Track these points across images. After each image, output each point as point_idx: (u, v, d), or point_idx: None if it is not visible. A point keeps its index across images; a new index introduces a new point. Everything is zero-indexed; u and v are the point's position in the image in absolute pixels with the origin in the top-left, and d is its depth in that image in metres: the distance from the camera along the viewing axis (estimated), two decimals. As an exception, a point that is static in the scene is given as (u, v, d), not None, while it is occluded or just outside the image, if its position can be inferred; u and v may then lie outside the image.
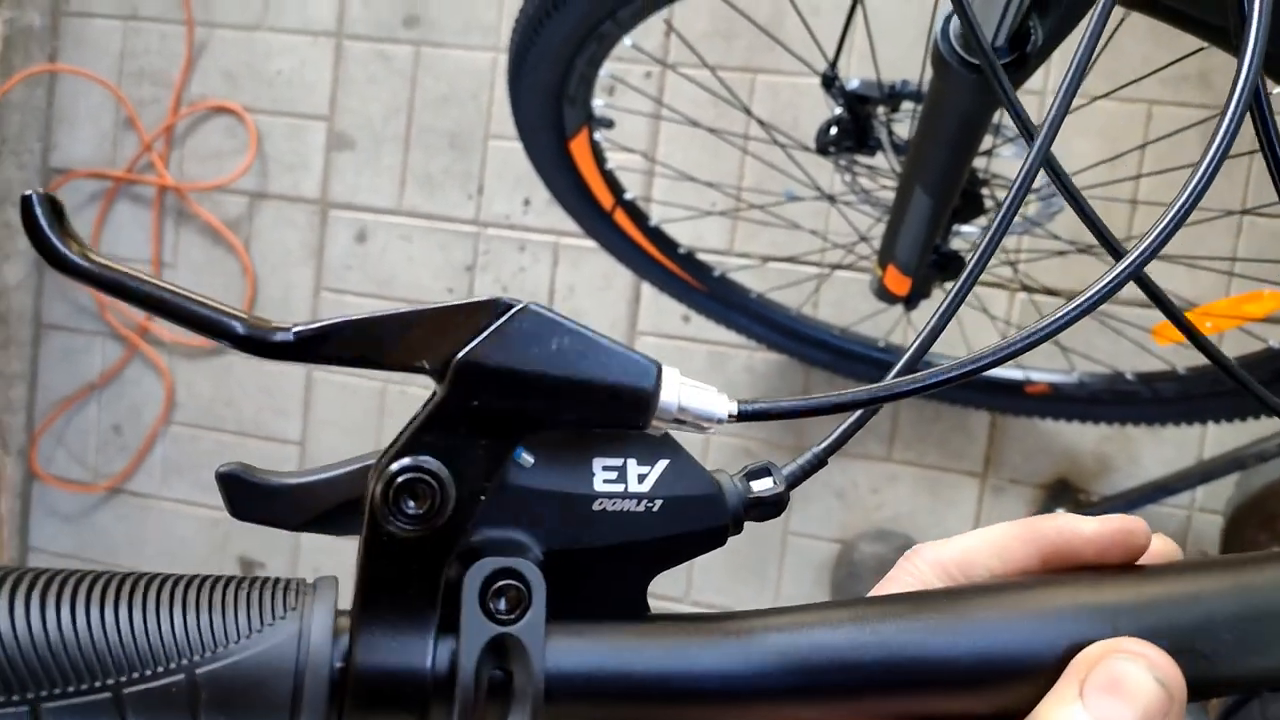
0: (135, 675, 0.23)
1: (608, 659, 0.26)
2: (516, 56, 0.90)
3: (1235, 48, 0.31)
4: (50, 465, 1.71)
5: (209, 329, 0.25)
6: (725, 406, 0.27)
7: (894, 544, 1.35)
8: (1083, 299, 0.29)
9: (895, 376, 0.30)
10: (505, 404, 0.25)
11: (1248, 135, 0.32)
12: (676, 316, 1.43)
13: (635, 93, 1.32)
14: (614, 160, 1.12)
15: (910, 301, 0.97)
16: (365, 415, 1.57)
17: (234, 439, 1.63)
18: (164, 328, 1.64)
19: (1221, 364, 0.34)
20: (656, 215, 1.22)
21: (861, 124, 0.97)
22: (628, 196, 1.16)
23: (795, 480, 0.30)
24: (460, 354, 0.25)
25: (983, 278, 1.10)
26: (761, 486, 0.29)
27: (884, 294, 0.97)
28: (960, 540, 0.31)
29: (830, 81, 0.95)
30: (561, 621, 0.26)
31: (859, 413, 0.32)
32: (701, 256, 1.26)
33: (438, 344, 0.25)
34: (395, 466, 0.25)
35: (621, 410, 0.26)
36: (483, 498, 0.26)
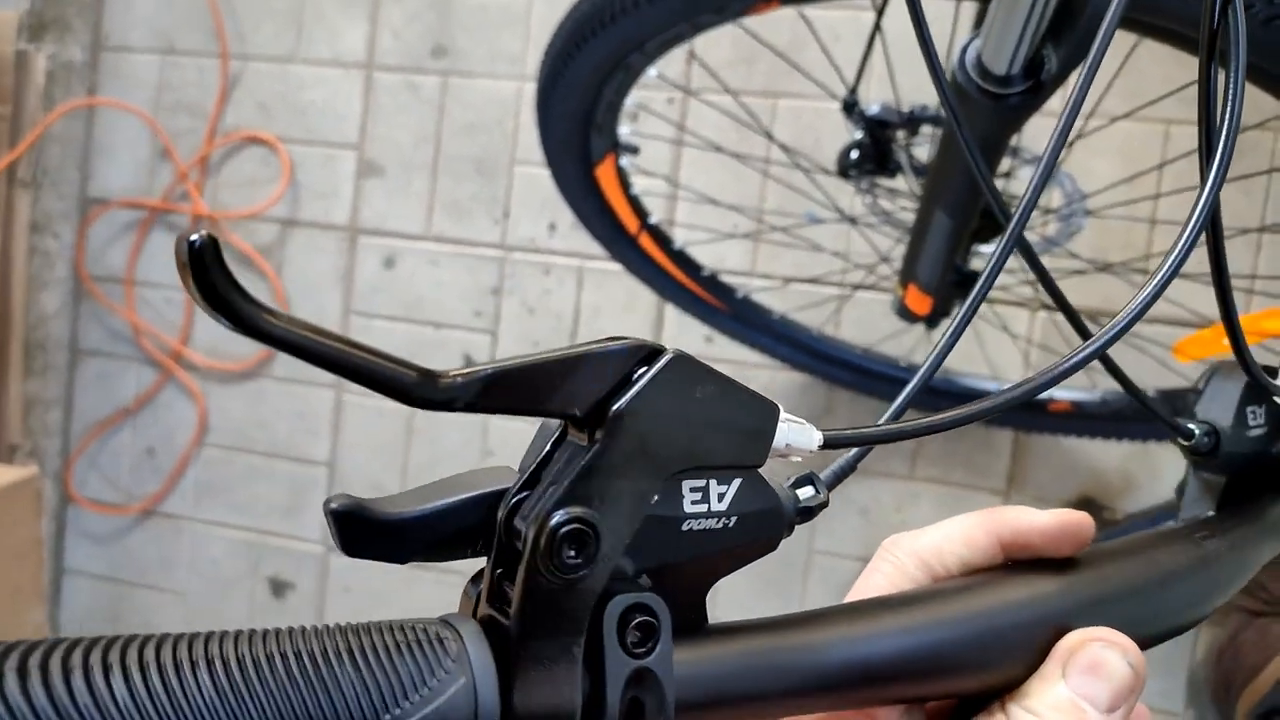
0: None
1: (723, 677, 0.28)
2: (545, 87, 0.92)
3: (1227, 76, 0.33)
4: (84, 488, 1.74)
5: (384, 388, 0.25)
6: (815, 439, 0.29)
7: (918, 562, 1.35)
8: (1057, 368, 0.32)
9: (913, 388, 0.34)
10: (656, 452, 0.26)
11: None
12: (699, 337, 1.45)
13: (659, 119, 1.35)
14: (638, 185, 1.15)
15: (932, 320, 0.99)
16: (394, 437, 1.59)
17: (265, 461, 1.66)
18: (197, 353, 1.67)
19: (1137, 395, 0.40)
20: (680, 238, 1.24)
21: (882, 148, 0.99)
22: (652, 220, 1.18)
23: (831, 485, 0.32)
24: (618, 404, 0.26)
25: (1004, 297, 1.12)
26: (807, 495, 0.31)
27: (905, 313, 0.98)
28: (932, 531, 0.35)
29: (851, 107, 0.97)
30: (677, 642, 0.27)
31: (885, 421, 0.34)
32: (724, 278, 1.28)
33: (589, 391, 0.26)
34: (557, 519, 0.25)
35: (746, 450, 0.28)
36: (625, 544, 0.26)
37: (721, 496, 0.28)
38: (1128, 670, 0.31)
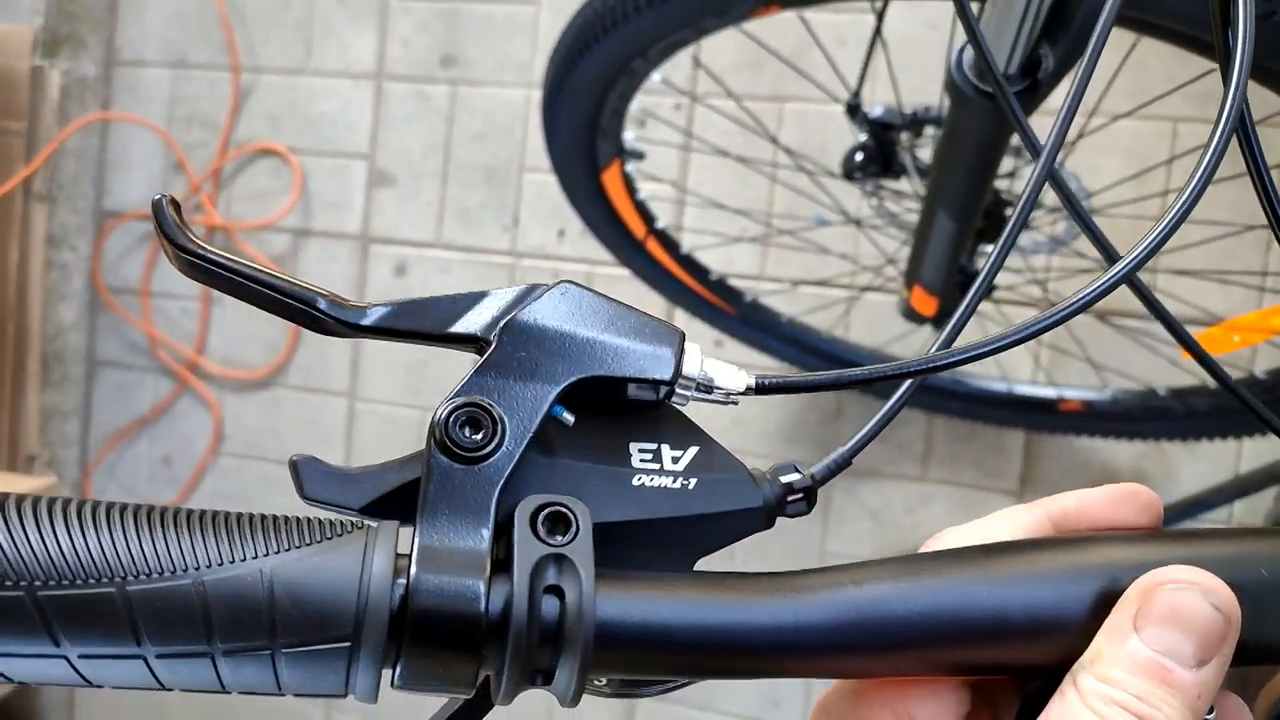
0: (213, 566, 0.25)
1: (659, 606, 0.27)
2: (550, 94, 0.93)
3: (1222, 71, 0.33)
4: (103, 497, 1.75)
5: (293, 313, 0.29)
6: (744, 379, 0.30)
7: (931, 563, 1.35)
8: (1076, 299, 0.31)
9: (905, 362, 0.32)
10: (547, 356, 0.29)
11: (1273, 150, 0.34)
12: (709, 341, 1.45)
13: (666, 124, 1.36)
14: (645, 190, 1.15)
15: (938, 322, 0.99)
16: (405, 444, 1.60)
17: (279, 469, 1.67)
18: (213, 363, 1.69)
19: (1221, 379, 0.36)
20: (688, 243, 1.24)
21: (886, 150, 0.99)
22: (659, 225, 1.19)
23: (823, 477, 0.32)
24: (508, 317, 0.29)
25: (1011, 296, 1.12)
26: (789, 478, 0.31)
27: (911, 314, 0.99)
28: (978, 521, 0.32)
29: (854, 110, 0.97)
30: (611, 569, 0.27)
31: (881, 418, 0.33)
32: (733, 282, 1.28)
33: (488, 317, 0.29)
34: (457, 399, 0.28)
35: (649, 365, 0.29)
36: (529, 435, 0.28)
37: (676, 459, 0.29)
38: (1213, 614, 0.25)
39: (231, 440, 1.70)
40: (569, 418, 0.29)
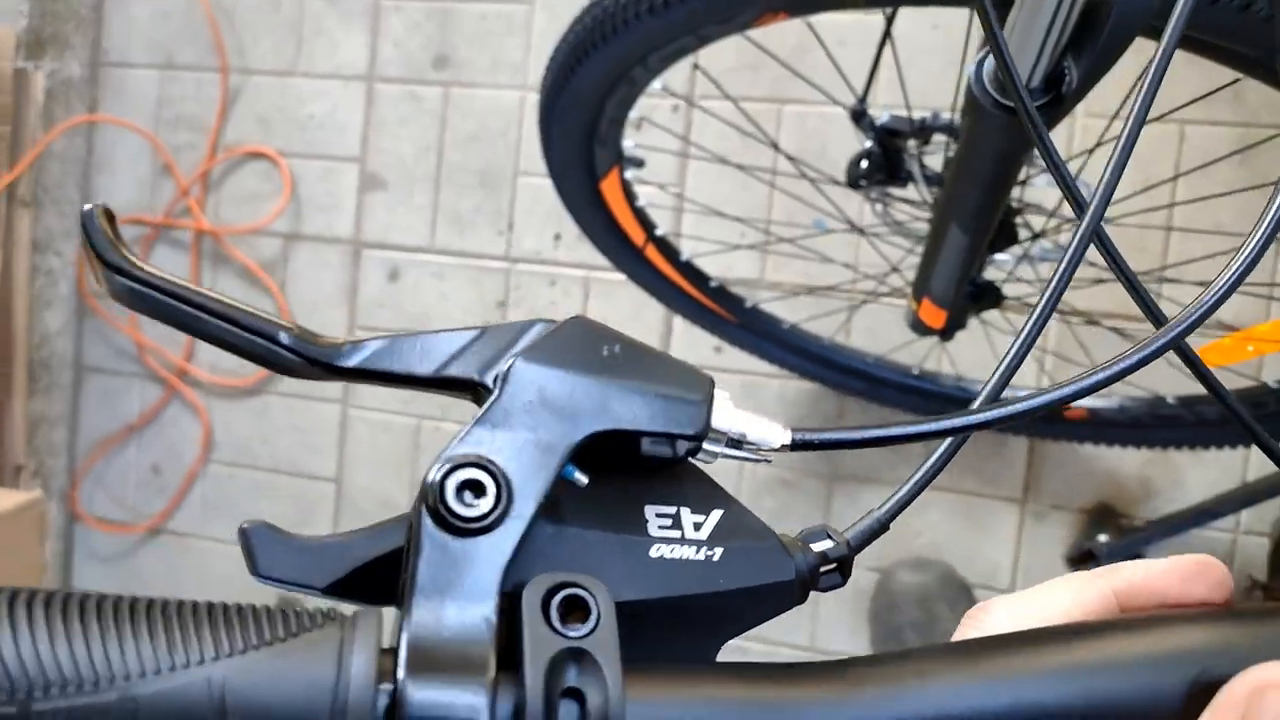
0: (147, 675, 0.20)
1: (698, 710, 0.23)
2: (548, 102, 0.91)
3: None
4: (91, 506, 1.73)
5: (253, 350, 0.25)
6: (780, 435, 0.27)
7: (934, 573, 1.34)
8: (1124, 361, 0.29)
9: (946, 417, 0.29)
10: (559, 405, 0.25)
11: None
12: (708, 348, 1.43)
13: (662, 129, 1.33)
14: (644, 197, 1.13)
15: (946, 334, 0.97)
16: (400, 452, 1.58)
17: (269, 477, 1.64)
18: (201, 369, 1.66)
19: (1219, 395, 0.35)
20: (687, 250, 1.22)
21: (892, 157, 0.97)
22: (658, 232, 1.16)
23: (859, 544, 0.29)
24: (512, 360, 0.25)
25: (1019, 306, 1.10)
26: (822, 546, 0.27)
27: (919, 327, 0.96)
28: (1033, 593, 0.29)
29: (860, 116, 0.95)
30: (635, 664, 0.22)
31: (921, 477, 0.31)
32: (733, 289, 1.26)
33: (487, 357, 0.25)
34: (455, 457, 0.23)
35: (675, 417, 0.25)
36: (539, 501, 0.24)
37: (698, 525, 0.26)
38: None
39: (221, 448, 1.67)
40: (582, 478, 0.25)
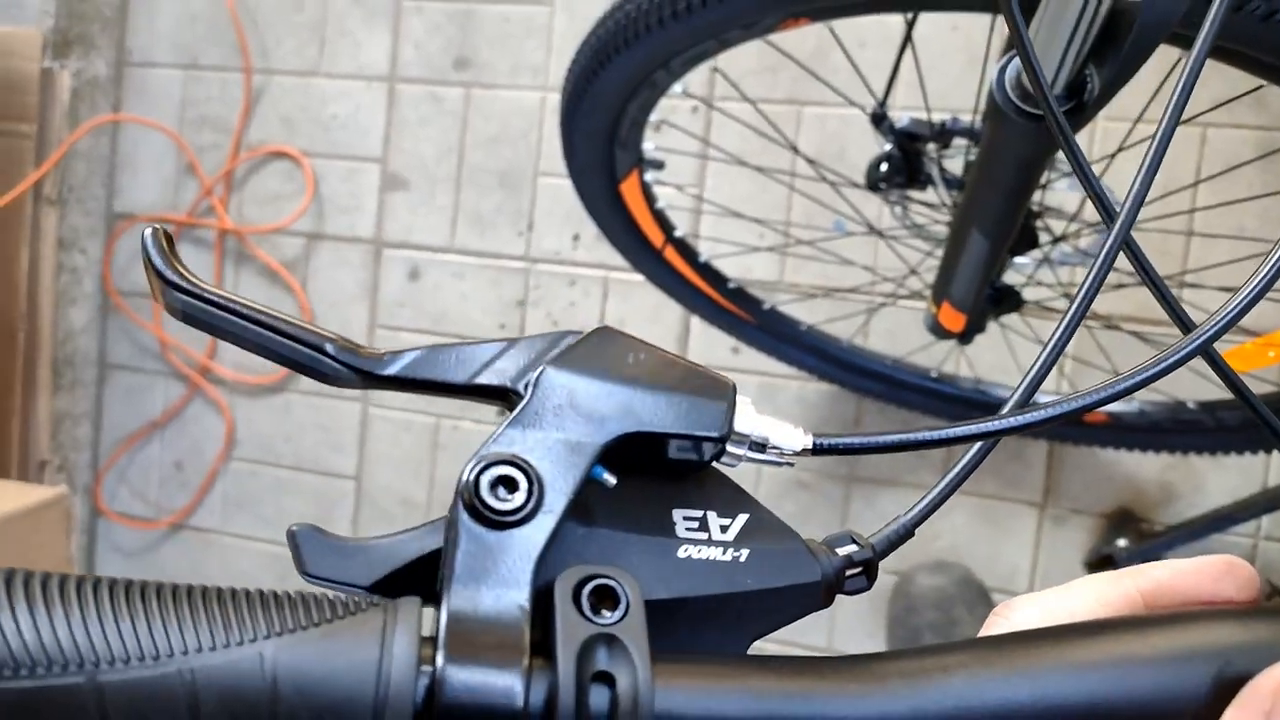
0: (209, 649, 0.22)
1: (725, 696, 0.24)
2: (569, 105, 0.91)
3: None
4: (114, 502, 1.75)
5: (299, 360, 0.26)
6: (801, 439, 0.28)
7: (952, 575, 1.33)
8: (1150, 368, 0.30)
9: (974, 422, 0.30)
10: (588, 408, 0.26)
11: None
12: (726, 348, 1.43)
13: (682, 131, 1.34)
14: (663, 198, 1.13)
15: (965, 337, 0.97)
16: (420, 451, 1.59)
17: (291, 475, 1.66)
18: (224, 367, 1.68)
19: (1246, 399, 0.34)
20: (705, 251, 1.22)
21: (912, 161, 0.97)
22: (677, 234, 1.17)
23: (884, 550, 0.29)
24: (543, 366, 0.27)
25: (1038, 310, 1.10)
26: (847, 550, 0.28)
27: (938, 330, 0.96)
28: (1058, 591, 0.29)
29: (880, 119, 0.95)
30: (668, 654, 0.24)
31: (949, 482, 0.31)
32: (751, 290, 1.26)
33: (519, 366, 0.27)
34: (486, 459, 0.25)
35: (699, 419, 0.26)
36: (570, 497, 0.25)
37: (725, 528, 0.27)
38: None
39: (243, 445, 1.68)
40: (610, 479, 0.26)
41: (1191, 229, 1.19)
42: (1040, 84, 0.38)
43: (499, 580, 0.24)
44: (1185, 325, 0.33)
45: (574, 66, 0.88)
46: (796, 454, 0.28)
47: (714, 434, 0.27)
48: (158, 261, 0.26)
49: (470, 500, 0.24)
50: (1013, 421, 0.29)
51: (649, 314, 1.48)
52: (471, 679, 0.22)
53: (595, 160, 1.00)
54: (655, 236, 1.15)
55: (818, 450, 0.28)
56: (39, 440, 1.70)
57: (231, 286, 1.68)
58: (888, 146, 0.98)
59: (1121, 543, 1.24)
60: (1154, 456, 1.27)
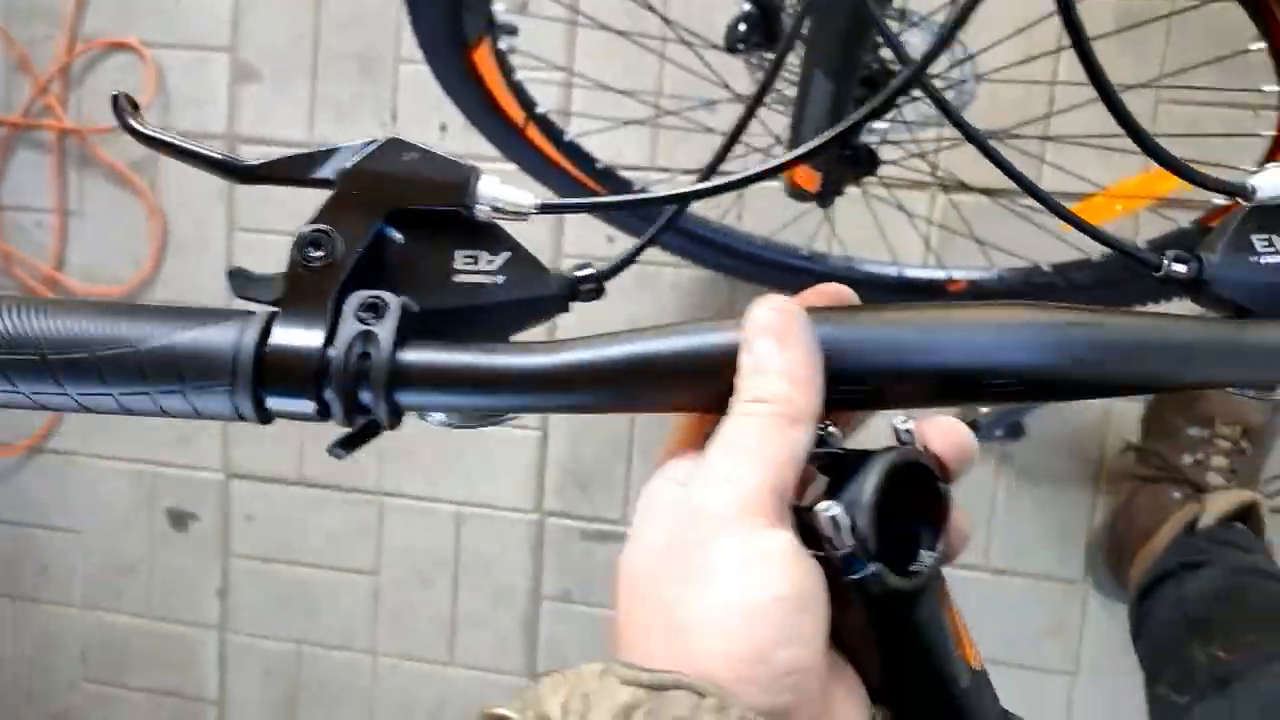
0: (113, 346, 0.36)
1: (448, 355, 0.36)
2: (405, -44, 0.86)
3: None
4: (-34, 427, 1.65)
5: (211, 165, 0.40)
6: (531, 199, 0.39)
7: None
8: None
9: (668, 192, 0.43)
10: (372, 193, 0.38)
11: None
12: (601, 237, 1.41)
13: None
14: (523, 72, 1.09)
15: (824, 198, 0.96)
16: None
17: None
18: (73, 279, 1.58)
19: (1090, 231, 0.42)
20: (573, 129, 1.19)
21: (771, 19, 0.95)
22: (539, 110, 1.13)
23: (608, 273, 0.41)
24: (348, 165, 0.38)
25: (899, 176, 1.10)
26: (582, 273, 0.40)
27: (796, 192, 0.96)
28: None
29: (733, -26, 0.92)
30: (423, 339, 0.36)
31: (644, 239, 0.43)
32: (620, 174, 1.23)
33: (338, 164, 0.39)
34: (305, 230, 0.38)
35: (448, 195, 0.38)
36: (360, 250, 0.37)
37: (491, 262, 0.38)
38: (770, 314, 0.35)
39: (102, 360, 1.60)
40: (398, 236, 0.38)
41: (1055, 78, 1.20)
42: None
43: (311, 299, 0.37)
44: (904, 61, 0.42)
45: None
46: (529, 210, 0.39)
47: (458, 205, 0.38)
48: (123, 120, 0.42)
49: (296, 256, 0.37)
50: (700, 187, 0.41)
51: (521, 204, 1.44)
52: (286, 344, 0.36)
53: (441, 25, 0.95)
54: (515, 113, 1.11)
55: (545, 209, 0.39)
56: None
57: (76, 191, 1.57)
58: (746, 6, 0.96)
59: (984, 410, 1.27)
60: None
